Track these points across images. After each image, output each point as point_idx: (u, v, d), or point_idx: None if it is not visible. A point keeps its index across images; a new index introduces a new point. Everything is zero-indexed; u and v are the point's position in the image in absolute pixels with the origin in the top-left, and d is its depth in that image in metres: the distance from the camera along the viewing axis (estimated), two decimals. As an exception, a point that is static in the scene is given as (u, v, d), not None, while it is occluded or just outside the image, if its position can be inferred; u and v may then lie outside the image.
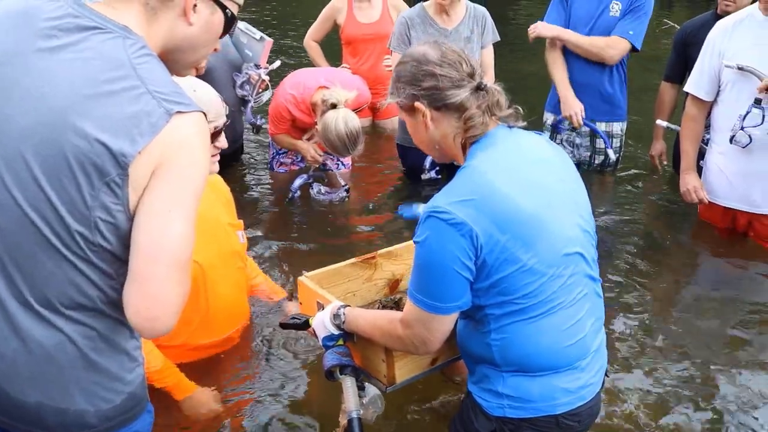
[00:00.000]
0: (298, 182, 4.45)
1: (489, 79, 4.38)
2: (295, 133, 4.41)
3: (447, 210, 1.83)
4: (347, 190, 4.51)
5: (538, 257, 1.86)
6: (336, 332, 2.25)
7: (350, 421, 2.10)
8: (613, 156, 4.58)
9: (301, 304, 2.65)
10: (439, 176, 4.38)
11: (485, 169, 1.90)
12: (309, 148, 4.38)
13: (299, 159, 4.64)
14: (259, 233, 4.02)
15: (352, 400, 2.14)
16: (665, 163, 4.79)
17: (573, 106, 4.39)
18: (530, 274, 1.87)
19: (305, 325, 2.42)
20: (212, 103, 2.44)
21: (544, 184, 1.97)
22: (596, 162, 4.72)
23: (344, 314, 2.23)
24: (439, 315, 1.91)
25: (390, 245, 2.94)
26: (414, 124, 2.06)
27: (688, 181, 3.95)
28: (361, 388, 2.22)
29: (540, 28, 4.49)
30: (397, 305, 2.72)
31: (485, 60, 4.37)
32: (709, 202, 3.93)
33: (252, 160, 5.20)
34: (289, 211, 4.44)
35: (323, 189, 4.52)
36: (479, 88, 1.97)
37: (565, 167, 2.09)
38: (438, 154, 2.11)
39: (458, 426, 2.16)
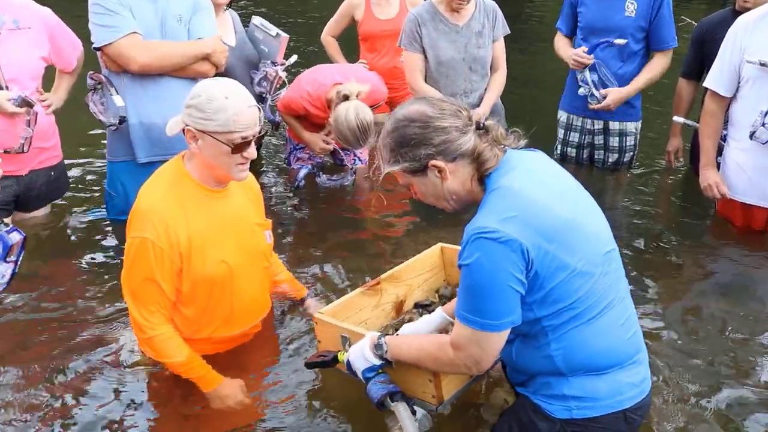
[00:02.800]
0: (303, 172, 4.50)
1: (501, 72, 4.39)
2: (311, 129, 4.42)
3: (495, 229, 1.84)
4: (354, 173, 4.52)
5: (585, 259, 1.90)
6: (377, 363, 2.23)
7: None
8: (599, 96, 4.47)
9: (319, 342, 2.64)
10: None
11: (517, 186, 1.94)
12: (317, 141, 4.40)
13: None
14: (275, 229, 4.01)
15: (410, 426, 2.14)
16: (681, 160, 4.78)
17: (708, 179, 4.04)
18: (581, 277, 1.90)
19: (334, 361, 2.41)
20: (242, 114, 2.42)
21: (568, 188, 2.05)
22: (610, 160, 4.72)
23: (386, 344, 2.21)
24: (494, 333, 1.91)
25: (404, 238, 2.94)
26: (426, 184, 2.05)
27: (709, 176, 3.95)
28: (413, 412, 2.20)
29: (614, 97, 4.41)
30: None
31: (497, 53, 4.36)
32: (728, 198, 3.93)
33: (270, 156, 5.21)
34: (306, 207, 4.46)
35: (326, 176, 4.55)
36: (479, 128, 2.01)
37: (569, 176, 2.15)
38: (453, 205, 2.10)
39: (514, 428, 2.14)
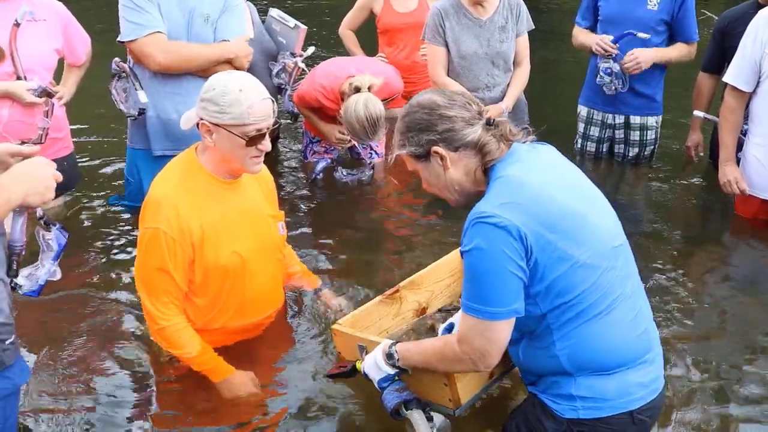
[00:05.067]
0: (321, 165, 4.50)
1: (524, 67, 4.37)
2: (327, 121, 4.42)
3: (494, 213, 1.85)
4: (372, 168, 4.52)
5: (590, 251, 1.89)
6: (392, 371, 2.21)
7: None
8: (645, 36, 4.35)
9: (339, 352, 2.64)
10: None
11: (521, 175, 1.95)
12: (333, 132, 4.37)
13: (333, 147, 4.65)
14: (291, 222, 4.03)
15: (422, 431, 2.13)
16: (701, 154, 4.74)
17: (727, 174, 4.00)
18: (585, 269, 1.88)
19: (353, 371, 2.40)
20: (256, 106, 2.42)
21: (575, 181, 2.04)
22: (630, 154, 4.68)
23: (396, 352, 2.20)
24: (498, 321, 1.90)
25: (419, 235, 2.91)
26: (430, 170, 2.09)
27: (728, 172, 3.90)
28: (429, 419, 2.17)
29: (645, 55, 4.32)
30: (432, 330, 2.71)
31: (520, 49, 4.35)
32: (747, 194, 3.89)
33: (287, 149, 5.23)
34: (322, 200, 4.46)
35: (346, 171, 4.54)
36: (489, 123, 2.03)
37: (578, 170, 2.14)
38: (456, 196, 2.12)
39: (521, 427, 2.14)
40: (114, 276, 3.54)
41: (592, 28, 4.57)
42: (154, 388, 2.78)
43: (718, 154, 4.07)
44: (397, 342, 2.25)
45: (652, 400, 2.02)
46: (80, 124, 5.23)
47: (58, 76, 3.97)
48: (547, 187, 1.92)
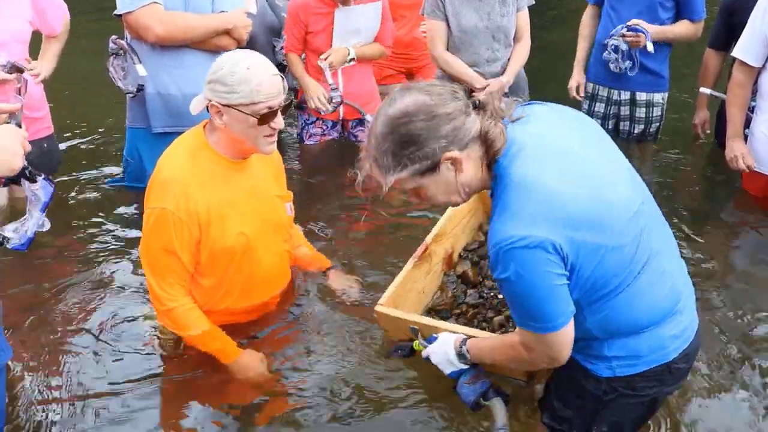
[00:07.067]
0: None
1: (525, 42, 4.33)
2: (314, 74, 4.31)
3: (523, 236, 1.72)
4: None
5: (614, 233, 1.81)
6: (465, 368, 2.20)
7: None
8: (650, 48, 4.23)
9: (386, 331, 2.61)
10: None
11: (531, 176, 1.79)
12: (316, 91, 4.23)
13: (329, 128, 4.56)
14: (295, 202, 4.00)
15: (501, 416, 2.15)
16: (708, 132, 4.70)
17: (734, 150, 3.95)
18: (613, 252, 1.81)
19: (412, 352, 2.39)
20: (265, 83, 2.38)
21: (583, 154, 1.89)
22: (636, 131, 4.64)
23: (467, 351, 2.17)
24: (558, 331, 1.85)
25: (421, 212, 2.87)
26: (438, 182, 1.86)
27: (735, 147, 3.87)
28: (507, 402, 2.19)
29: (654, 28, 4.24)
30: (483, 298, 2.73)
31: (520, 23, 4.29)
32: (754, 171, 3.86)
33: (284, 131, 5.15)
34: (320, 182, 4.40)
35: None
36: (476, 106, 1.84)
37: (580, 119, 2.03)
38: (464, 198, 1.94)
39: (564, 391, 2.13)
40: (115, 258, 3.50)
41: (599, 3, 4.51)
42: (163, 370, 2.76)
43: (723, 133, 4.03)
44: (466, 338, 2.21)
45: (686, 348, 2.00)
46: (77, 104, 5.18)
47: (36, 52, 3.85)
48: (560, 183, 1.78)
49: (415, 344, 2.35)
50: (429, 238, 2.74)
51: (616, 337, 1.95)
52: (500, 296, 2.68)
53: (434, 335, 2.30)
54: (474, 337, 2.23)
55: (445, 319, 2.66)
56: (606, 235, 1.79)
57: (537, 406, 2.32)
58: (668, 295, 1.97)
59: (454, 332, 2.27)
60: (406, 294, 2.62)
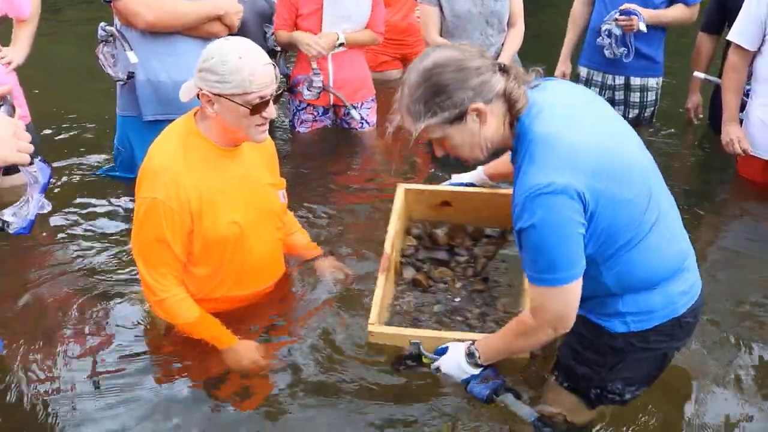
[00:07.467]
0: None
1: (519, 28, 4.32)
2: (303, 64, 4.28)
3: (548, 182, 1.84)
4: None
5: (630, 187, 1.93)
6: (477, 371, 2.21)
7: (535, 426, 2.21)
8: (643, 27, 4.24)
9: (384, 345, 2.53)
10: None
11: (553, 132, 1.91)
12: (311, 37, 4.12)
13: (321, 114, 4.54)
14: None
15: (521, 410, 2.22)
16: (701, 116, 4.69)
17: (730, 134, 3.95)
18: (629, 205, 1.93)
19: (420, 363, 2.37)
20: (257, 73, 2.33)
21: (597, 113, 2.06)
22: (630, 116, 4.62)
23: (477, 351, 2.20)
24: (572, 284, 1.93)
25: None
26: (463, 132, 1.98)
27: (731, 131, 3.87)
28: (518, 396, 2.25)
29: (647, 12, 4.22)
30: (503, 236, 2.87)
31: (514, 8, 4.28)
32: (749, 155, 3.86)
33: (277, 118, 5.12)
34: (312, 170, 4.36)
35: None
36: (501, 69, 1.98)
37: (591, 97, 2.16)
38: (485, 153, 2.05)
39: (581, 350, 2.19)
40: (106, 249, 3.47)
41: None
42: (157, 360, 2.75)
43: (717, 118, 4.03)
44: (472, 341, 2.24)
45: (693, 304, 2.13)
46: (67, 94, 5.13)
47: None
48: (581, 137, 1.91)
49: (424, 359, 2.34)
50: (388, 248, 2.69)
51: (630, 292, 2.05)
52: (457, 300, 2.68)
53: (442, 346, 2.29)
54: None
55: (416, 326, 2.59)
56: (623, 187, 1.91)
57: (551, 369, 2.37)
58: (677, 253, 2.10)
59: (461, 340, 2.28)
60: (386, 307, 2.60)
